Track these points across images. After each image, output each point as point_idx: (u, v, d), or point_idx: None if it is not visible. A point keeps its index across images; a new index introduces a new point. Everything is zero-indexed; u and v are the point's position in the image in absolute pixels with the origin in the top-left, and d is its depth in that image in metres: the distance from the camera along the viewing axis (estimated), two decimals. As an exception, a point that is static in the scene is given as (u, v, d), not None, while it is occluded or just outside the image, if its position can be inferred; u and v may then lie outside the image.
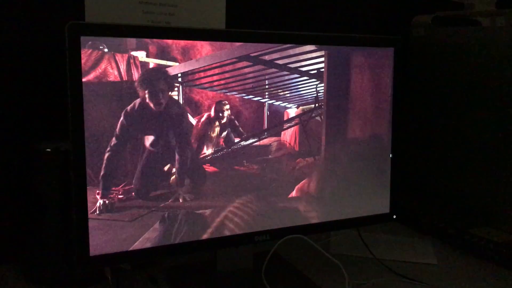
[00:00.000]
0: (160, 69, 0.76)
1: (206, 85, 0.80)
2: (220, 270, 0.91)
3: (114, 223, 0.75)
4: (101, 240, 0.74)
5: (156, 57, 0.75)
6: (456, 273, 0.98)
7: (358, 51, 0.92)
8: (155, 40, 0.75)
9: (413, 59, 1.28)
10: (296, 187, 0.90)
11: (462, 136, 1.18)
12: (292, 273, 0.94)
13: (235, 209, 0.84)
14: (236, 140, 0.84)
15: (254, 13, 1.13)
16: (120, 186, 0.75)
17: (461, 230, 1.10)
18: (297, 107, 0.88)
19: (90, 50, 0.70)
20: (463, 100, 1.17)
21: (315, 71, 0.89)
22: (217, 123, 0.82)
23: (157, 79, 0.75)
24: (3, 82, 0.90)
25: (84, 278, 0.86)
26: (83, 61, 0.70)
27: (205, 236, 0.82)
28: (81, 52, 0.70)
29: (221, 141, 0.83)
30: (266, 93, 0.85)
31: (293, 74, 0.87)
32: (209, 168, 0.82)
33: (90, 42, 0.70)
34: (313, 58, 0.88)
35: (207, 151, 0.81)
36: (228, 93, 0.82)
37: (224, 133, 0.82)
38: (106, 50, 0.72)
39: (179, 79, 0.78)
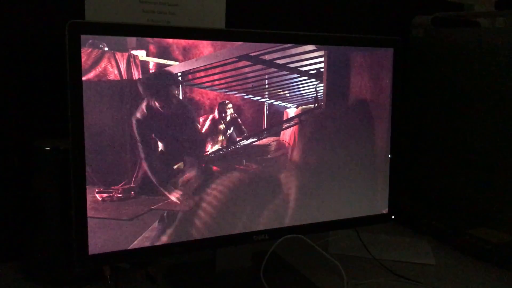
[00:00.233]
0: (170, 72, 0.76)
1: (206, 85, 0.80)
2: (219, 269, 0.91)
3: (113, 222, 0.75)
4: (100, 239, 0.74)
5: (156, 56, 0.75)
6: (454, 274, 0.98)
7: (358, 52, 0.92)
8: (155, 39, 0.75)
9: (412, 59, 1.28)
10: (295, 187, 0.90)
11: (460, 137, 1.18)
12: (291, 272, 0.94)
13: (234, 209, 0.85)
14: (238, 139, 0.84)
15: (254, 13, 1.13)
16: (120, 185, 0.75)
17: (459, 230, 1.10)
18: (297, 107, 0.88)
19: (90, 49, 0.70)
20: (461, 101, 1.17)
21: (315, 71, 0.89)
22: (221, 124, 0.82)
23: (167, 83, 0.75)
24: (3, 80, 0.90)
25: (82, 277, 0.86)
26: (83, 59, 0.70)
27: (204, 235, 0.82)
28: (81, 51, 0.70)
29: (224, 141, 0.83)
30: (266, 93, 0.85)
31: (293, 74, 0.87)
32: (212, 168, 0.82)
33: (90, 41, 0.70)
34: (313, 58, 0.88)
35: (211, 150, 0.81)
36: (227, 93, 0.82)
37: (228, 132, 0.82)
38: (106, 49, 0.72)
39: (179, 79, 0.78)
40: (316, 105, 0.90)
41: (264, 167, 0.86)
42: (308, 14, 1.21)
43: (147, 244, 0.78)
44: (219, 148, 0.82)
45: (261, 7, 1.14)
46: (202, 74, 0.79)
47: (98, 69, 0.71)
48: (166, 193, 0.79)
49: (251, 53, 0.83)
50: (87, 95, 0.71)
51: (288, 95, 0.87)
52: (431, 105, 1.25)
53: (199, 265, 0.94)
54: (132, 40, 0.73)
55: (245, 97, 0.84)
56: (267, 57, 0.84)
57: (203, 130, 0.81)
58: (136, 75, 0.74)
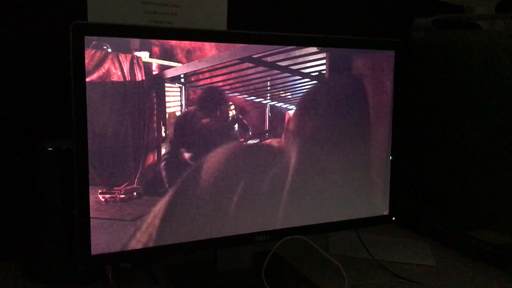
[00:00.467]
0: (173, 73, 0.76)
1: (209, 86, 0.80)
2: (220, 269, 0.92)
3: (115, 223, 0.76)
4: (103, 239, 0.75)
5: (159, 57, 0.76)
6: (454, 275, 0.99)
7: (360, 54, 0.92)
8: (158, 41, 0.75)
9: (413, 61, 1.29)
10: (296, 188, 0.90)
11: (461, 138, 1.18)
12: (292, 273, 0.95)
13: (236, 209, 0.85)
14: (241, 140, 0.84)
15: (256, 15, 1.14)
16: (122, 186, 0.76)
17: (459, 232, 1.11)
18: (299, 109, 0.88)
19: (93, 50, 0.71)
20: (461, 103, 1.18)
21: (317, 73, 0.89)
22: (224, 125, 0.82)
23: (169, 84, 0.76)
24: (6, 80, 0.90)
25: (84, 276, 0.87)
26: (86, 60, 0.70)
27: (205, 236, 0.83)
28: (85, 52, 0.70)
29: (226, 142, 0.83)
30: (268, 95, 0.86)
31: (295, 75, 0.87)
32: (214, 168, 0.82)
33: (94, 42, 0.71)
34: (315, 60, 0.89)
35: (212, 151, 0.82)
36: (230, 94, 0.82)
37: (232, 133, 0.83)
38: (109, 50, 0.72)
39: (182, 80, 0.78)
40: (317, 106, 0.90)
41: (266, 168, 0.87)
42: (309, 16, 1.21)
43: (149, 244, 0.78)
44: (219, 149, 0.83)
45: (263, 9, 1.15)
46: (204, 75, 0.80)
47: (102, 70, 0.72)
48: (168, 193, 0.79)
49: (253, 55, 0.83)
50: (91, 96, 0.71)
51: (290, 97, 0.88)
52: (431, 107, 1.25)
53: (201, 265, 0.95)
54: (136, 41, 0.74)
55: (247, 98, 0.84)
56: (269, 59, 0.85)
57: (205, 131, 0.81)
58: (139, 76, 0.75)
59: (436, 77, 1.24)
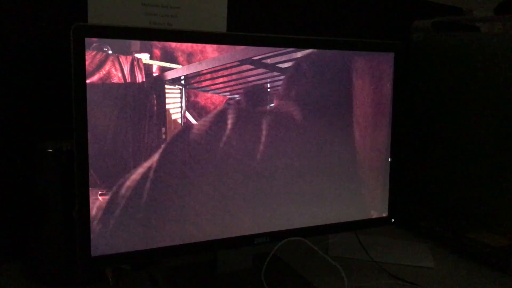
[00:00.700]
0: (173, 75, 0.76)
1: (208, 88, 0.81)
2: (220, 271, 0.92)
3: (116, 224, 0.76)
4: (103, 240, 0.75)
5: (160, 59, 0.76)
6: (453, 277, 0.99)
7: (359, 56, 0.93)
8: (159, 42, 0.75)
9: (412, 63, 1.29)
10: (296, 190, 0.90)
11: (460, 140, 1.18)
12: (291, 275, 0.95)
13: (236, 211, 0.85)
14: (242, 141, 0.84)
15: (255, 17, 1.14)
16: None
17: (458, 234, 1.11)
18: (299, 110, 0.89)
19: (94, 52, 0.71)
20: (461, 105, 1.18)
21: (317, 76, 0.89)
22: (224, 126, 0.82)
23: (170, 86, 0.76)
24: (7, 82, 0.90)
25: (84, 278, 0.87)
26: (87, 62, 0.70)
27: (205, 238, 0.83)
28: (86, 54, 0.70)
29: (227, 143, 0.83)
30: (268, 97, 0.86)
31: (295, 77, 0.87)
32: (214, 169, 0.82)
33: (94, 44, 0.71)
34: (315, 62, 0.89)
35: (213, 151, 0.82)
36: (230, 96, 0.82)
37: (232, 134, 0.83)
38: (110, 52, 0.72)
39: (182, 82, 0.78)
40: (317, 108, 0.90)
41: (265, 169, 0.87)
42: (309, 18, 1.22)
43: (149, 246, 0.78)
44: (220, 150, 0.83)
45: (263, 10, 1.15)
46: (204, 77, 0.80)
47: (102, 72, 0.72)
48: (169, 195, 0.79)
49: (253, 57, 0.83)
50: (91, 97, 0.71)
51: (289, 99, 0.88)
52: (430, 108, 1.25)
53: (200, 266, 0.95)
54: (136, 43, 0.74)
55: (247, 100, 0.84)
56: (269, 60, 0.85)
57: (206, 132, 0.81)
58: (139, 78, 0.75)
59: (435, 79, 1.24)
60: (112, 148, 0.74)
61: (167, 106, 0.78)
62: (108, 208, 0.75)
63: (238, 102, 0.83)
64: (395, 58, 0.96)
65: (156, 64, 0.76)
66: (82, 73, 0.70)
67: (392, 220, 1.01)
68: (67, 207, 0.83)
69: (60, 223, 0.84)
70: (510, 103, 1.08)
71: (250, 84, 0.84)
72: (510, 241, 1.06)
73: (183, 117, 0.79)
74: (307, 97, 0.89)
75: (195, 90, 0.80)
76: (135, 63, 0.74)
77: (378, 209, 0.99)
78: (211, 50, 0.80)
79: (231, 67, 0.82)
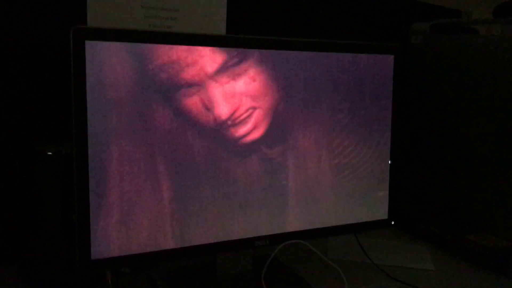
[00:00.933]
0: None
1: (208, 90, 0.81)
2: (220, 274, 0.91)
3: (115, 227, 0.76)
4: (103, 243, 0.75)
5: (160, 61, 0.76)
6: (453, 279, 0.99)
7: (359, 58, 0.93)
8: (159, 45, 0.75)
9: (411, 65, 1.29)
10: (296, 192, 0.90)
11: (459, 143, 1.19)
12: (291, 277, 0.95)
13: (236, 214, 0.85)
14: (242, 142, 0.84)
15: (255, 19, 1.14)
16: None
17: (457, 236, 1.11)
18: (300, 112, 0.89)
19: (94, 54, 0.71)
20: (460, 107, 1.18)
21: (316, 78, 0.89)
22: (222, 129, 0.82)
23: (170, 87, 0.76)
24: (5, 84, 0.90)
25: (83, 281, 0.86)
26: (87, 65, 0.70)
27: (205, 241, 0.83)
28: (85, 56, 0.70)
29: (227, 144, 0.83)
30: (267, 99, 0.86)
31: (294, 80, 0.87)
32: (213, 171, 0.82)
33: (94, 47, 0.70)
34: (314, 65, 0.89)
35: (213, 153, 0.82)
36: (229, 98, 0.82)
37: (233, 135, 0.83)
38: (110, 54, 0.72)
39: (182, 83, 0.78)
40: (317, 111, 0.90)
41: (265, 172, 0.87)
42: (309, 21, 1.22)
43: (149, 249, 0.78)
44: (220, 151, 0.83)
45: (262, 13, 1.15)
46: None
47: (102, 74, 0.72)
48: (168, 199, 0.79)
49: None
50: (91, 100, 0.71)
51: (289, 102, 0.88)
52: (429, 111, 1.25)
53: (200, 269, 0.95)
54: (136, 45, 0.74)
55: (247, 102, 0.84)
56: (267, 63, 0.85)
57: (203, 135, 0.81)
58: (140, 80, 0.75)
59: (434, 81, 1.24)
60: (112, 150, 0.74)
61: (168, 107, 0.78)
62: (108, 211, 0.75)
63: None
64: (395, 60, 0.96)
65: (157, 65, 0.76)
66: (82, 76, 0.70)
67: (392, 223, 1.01)
68: (66, 210, 0.83)
69: (59, 226, 0.84)
70: (508, 105, 1.08)
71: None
72: (509, 243, 1.06)
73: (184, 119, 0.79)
74: (306, 100, 0.89)
75: (195, 92, 0.79)
76: (136, 65, 0.74)
77: (378, 211, 0.99)
78: (210, 52, 0.79)
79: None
